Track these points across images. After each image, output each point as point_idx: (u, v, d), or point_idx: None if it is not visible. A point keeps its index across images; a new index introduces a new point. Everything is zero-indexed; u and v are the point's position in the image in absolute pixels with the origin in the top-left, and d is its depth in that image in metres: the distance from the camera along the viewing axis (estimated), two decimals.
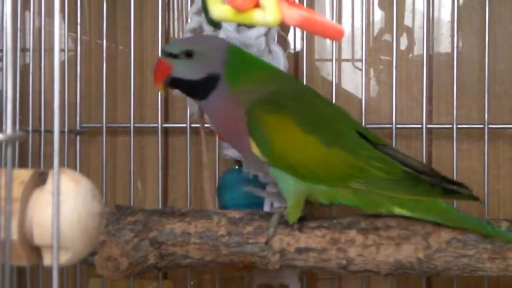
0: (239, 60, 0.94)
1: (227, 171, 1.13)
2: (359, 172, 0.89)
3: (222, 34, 1.03)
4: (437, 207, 0.90)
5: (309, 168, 0.90)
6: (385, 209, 0.91)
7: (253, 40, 1.03)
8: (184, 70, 0.93)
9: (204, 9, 1.02)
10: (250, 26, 1.03)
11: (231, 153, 1.07)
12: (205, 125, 1.04)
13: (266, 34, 1.05)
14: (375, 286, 1.23)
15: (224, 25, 1.02)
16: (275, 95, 0.92)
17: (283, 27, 1.18)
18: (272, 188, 1.03)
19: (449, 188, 0.90)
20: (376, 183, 0.89)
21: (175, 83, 0.94)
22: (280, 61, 1.05)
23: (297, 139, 0.90)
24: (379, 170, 0.89)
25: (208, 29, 1.05)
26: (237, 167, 1.11)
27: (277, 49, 1.06)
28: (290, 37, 1.24)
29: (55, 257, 0.52)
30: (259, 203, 1.05)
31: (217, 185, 1.12)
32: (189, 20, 1.07)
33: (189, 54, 0.93)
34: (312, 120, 0.91)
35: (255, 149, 0.91)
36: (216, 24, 1.04)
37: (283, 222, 0.93)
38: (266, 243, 0.93)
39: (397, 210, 0.91)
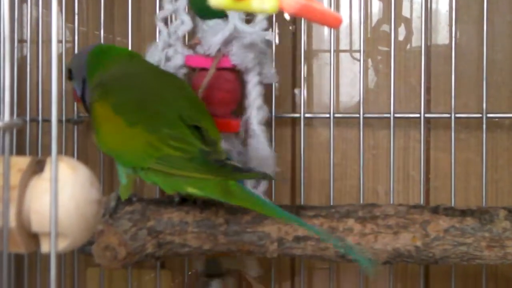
0: (96, 58, 0.98)
1: None
2: (155, 151, 0.87)
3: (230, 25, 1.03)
4: (223, 186, 0.86)
5: (118, 149, 0.91)
6: (181, 189, 0.89)
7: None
8: (76, 88, 1.00)
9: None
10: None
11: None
12: None
13: None
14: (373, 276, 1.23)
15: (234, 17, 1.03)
16: (106, 80, 0.94)
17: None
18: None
19: (239, 167, 0.87)
20: (170, 162, 0.87)
21: (80, 100, 1.01)
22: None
23: (108, 121, 0.90)
24: (175, 149, 0.86)
25: (186, 19, 1.05)
26: None
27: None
28: (288, 29, 1.24)
29: (53, 244, 0.52)
30: None
31: None
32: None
33: (70, 73, 1.01)
34: (129, 102, 0.92)
35: (94, 138, 0.93)
36: (204, 15, 1.04)
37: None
38: (111, 216, 0.94)
39: (190, 190, 0.88)
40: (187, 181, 0.87)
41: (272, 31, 1.15)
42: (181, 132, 0.88)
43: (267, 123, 1.08)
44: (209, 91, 1.03)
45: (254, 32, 1.02)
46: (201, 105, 0.95)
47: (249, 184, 1.02)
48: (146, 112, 0.90)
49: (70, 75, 1.01)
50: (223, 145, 1.03)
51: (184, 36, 1.07)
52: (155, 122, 0.89)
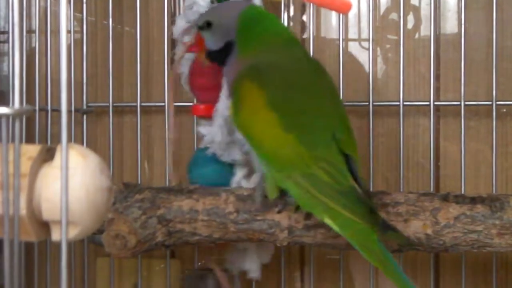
0: (250, 25, 0.93)
1: (200, 148, 1.08)
2: (304, 167, 0.83)
3: None
4: (364, 236, 0.83)
5: (259, 141, 0.87)
6: (318, 214, 0.86)
7: None
8: (209, 41, 0.95)
9: None
10: None
11: (204, 130, 1.04)
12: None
13: None
14: None
15: None
16: (265, 64, 0.90)
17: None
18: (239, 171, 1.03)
19: (386, 222, 0.84)
20: (317, 184, 0.83)
21: (207, 54, 0.96)
22: None
23: (257, 111, 0.87)
24: (325, 173, 0.83)
25: (203, 4, 1.05)
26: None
27: None
28: (297, 17, 1.24)
29: (64, 232, 0.52)
30: (227, 183, 1.02)
31: (189, 160, 1.08)
32: None
33: (209, 25, 0.94)
34: (286, 100, 0.88)
35: (230, 110, 0.91)
36: None
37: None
38: (280, 212, 0.92)
39: (327, 220, 0.84)
40: (328, 211, 0.83)
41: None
42: (335, 158, 0.84)
43: None
44: (191, 77, 1.05)
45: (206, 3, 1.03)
46: (347, 121, 0.90)
47: (238, 171, 1.02)
48: (302, 119, 0.87)
49: (203, 27, 0.95)
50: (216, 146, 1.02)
51: None
52: (310, 137, 0.85)
